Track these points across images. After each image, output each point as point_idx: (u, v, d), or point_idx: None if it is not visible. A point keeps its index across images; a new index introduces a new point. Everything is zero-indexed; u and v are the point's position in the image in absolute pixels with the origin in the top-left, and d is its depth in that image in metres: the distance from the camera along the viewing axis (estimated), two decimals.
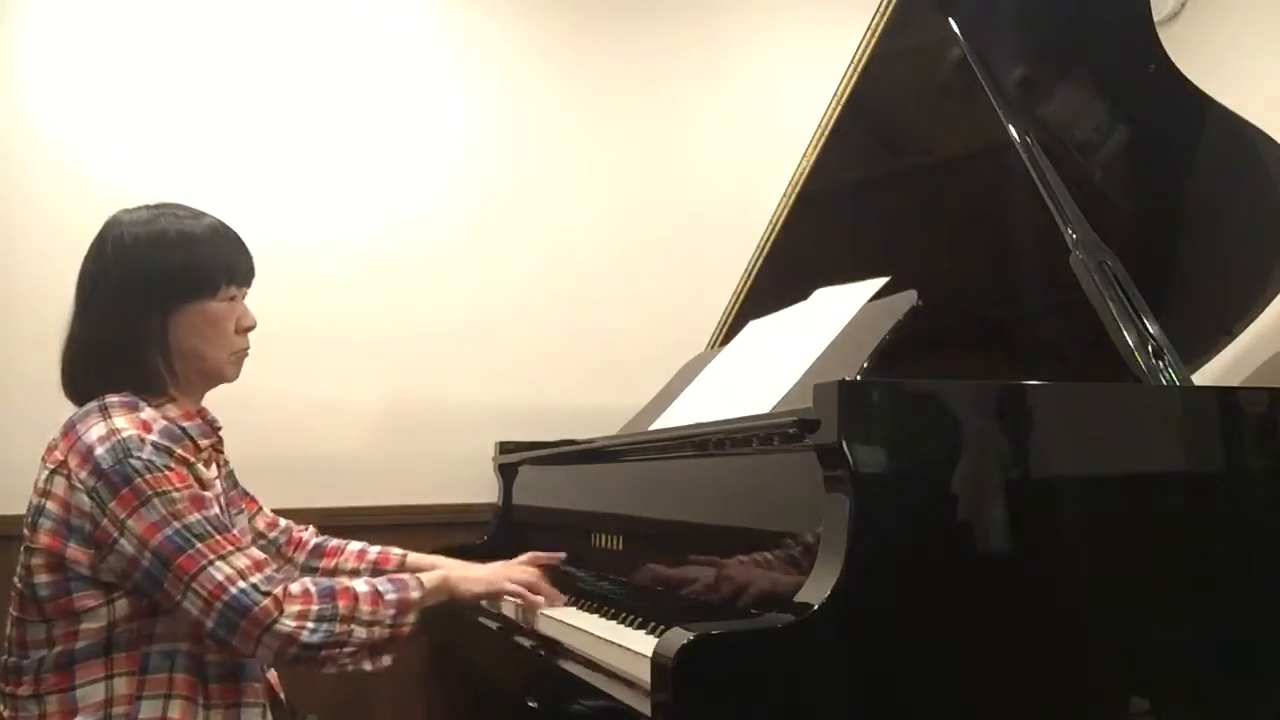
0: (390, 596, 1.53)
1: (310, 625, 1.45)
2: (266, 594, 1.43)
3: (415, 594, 1.56)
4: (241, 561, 1.45)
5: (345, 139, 2.72)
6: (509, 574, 1.76)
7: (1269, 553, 1.43)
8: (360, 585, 1.53)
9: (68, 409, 1.55)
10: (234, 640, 1.43)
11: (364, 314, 2.70)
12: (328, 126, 2.70)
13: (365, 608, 1.50)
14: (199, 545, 1.42)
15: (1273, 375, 2.45)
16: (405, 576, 1.60)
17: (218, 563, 1.42)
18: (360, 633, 1.49)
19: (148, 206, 1.59)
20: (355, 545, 1.93)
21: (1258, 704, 1.41)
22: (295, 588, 1.48)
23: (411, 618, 1.55)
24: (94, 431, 1.45)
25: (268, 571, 1.47)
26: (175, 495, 1.43)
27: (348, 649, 1.49)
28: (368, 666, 1.52)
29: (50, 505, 1.45)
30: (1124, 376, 1.56)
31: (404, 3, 2.80)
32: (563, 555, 1.86)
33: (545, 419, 2.71)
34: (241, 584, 1.43)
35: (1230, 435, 1.46)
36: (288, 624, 1.44)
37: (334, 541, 1.93)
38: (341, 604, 1.49)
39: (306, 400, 2.62)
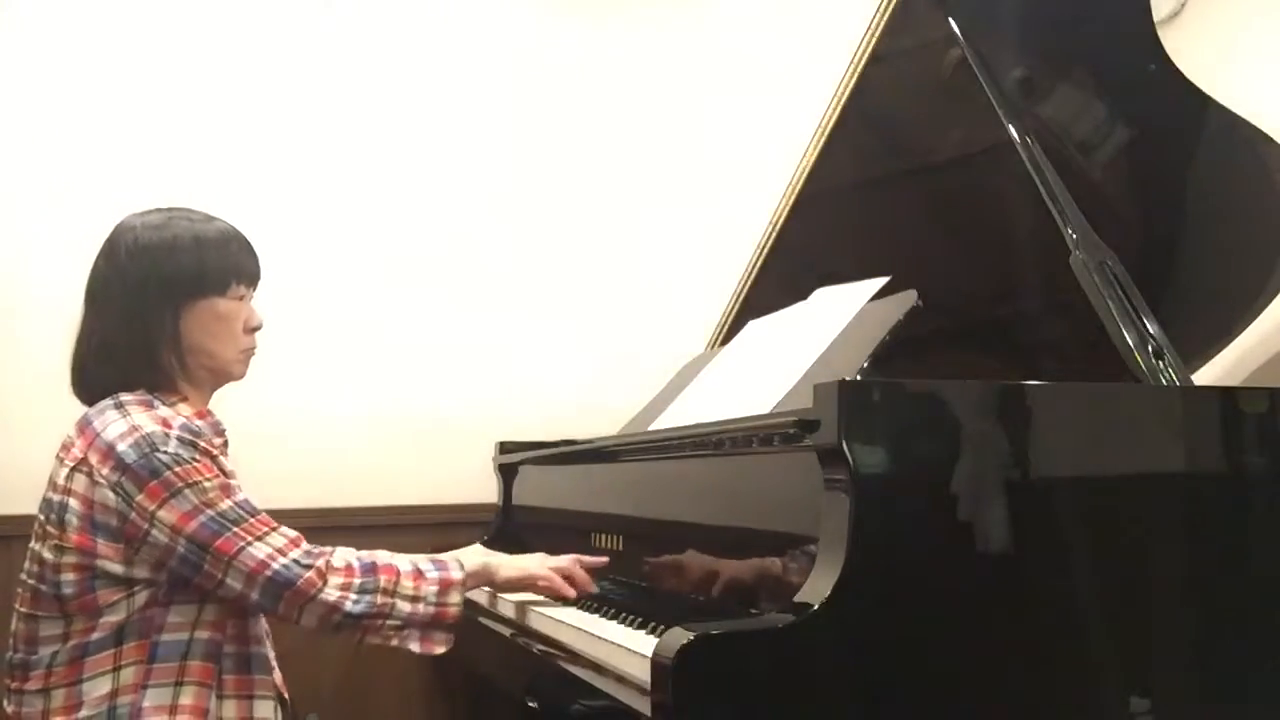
0: (431, 575, 1.56)
1: (354, 596, 1.50)
2: (309, 567, 1.48)
3: (457, 574, 1.58)
4: (279, 540, 1.49)
5: (345, 146, 2.72)
6: (548, 562, 1.74)
7: (1269, 553, 1.43)
8: (403, 562, 1.56)
9: (71, 408, 1.56)
10: (279, 609, 1.48)
11: (365, 315, 2.71)
12: (331, 134, 2.71)
13: (408, 583, 1.53)
14: (235, 529, 1.46)
15: (1273, 375, 2.45)
16: (446, 557, 1.62)
17: (256, 543, 1.46)
18: (404, 607, 1.52)
19: (159, 209, 1.61)
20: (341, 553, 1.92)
21: (1258, 704, 1.41)
22: (338, 560, 1.51)
23: (455, 598, 1.56)
24: (113, 428, 1.47)
25: (305, 546, 1.51)
26: (206, 485, 1.46)
27: (391, 622, 1.52)
28: (415, 647, 1.54)
29: (73, 503, 1.46)
30: (1124, 376, 1.56)
31: (408, 6, 2.81)
32: (605, 560, 1.82)
33: (545, 419, 2.71)
34: (283, 559, 1.47)
35: (1230, 435, 1.46)
36: (332, 594, 1.48)
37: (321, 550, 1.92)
38: (384, 578, 1.52)
39: (307, 401, 2.62)
